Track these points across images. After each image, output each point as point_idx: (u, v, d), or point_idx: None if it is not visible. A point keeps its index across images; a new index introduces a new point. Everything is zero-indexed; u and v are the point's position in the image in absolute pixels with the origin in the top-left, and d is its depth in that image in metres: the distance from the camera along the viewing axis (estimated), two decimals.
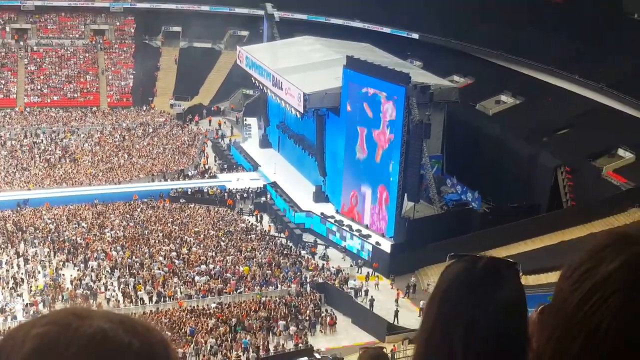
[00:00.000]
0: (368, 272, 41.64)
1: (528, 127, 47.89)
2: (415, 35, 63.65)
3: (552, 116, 48.36)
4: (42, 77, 72.33)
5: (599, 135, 44.37)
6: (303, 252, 44.47)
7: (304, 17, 70.19)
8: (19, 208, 48.76)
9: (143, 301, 37.20)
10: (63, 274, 39.36)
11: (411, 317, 36.71)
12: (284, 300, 37.49)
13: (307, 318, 36.31)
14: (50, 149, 60.82)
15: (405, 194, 42.56)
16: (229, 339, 33.75)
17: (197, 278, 38.85)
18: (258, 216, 49.71)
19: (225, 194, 52.45)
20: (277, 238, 46.50)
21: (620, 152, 43.68)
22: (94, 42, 76.40)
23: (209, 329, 34.28)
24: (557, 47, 52.86)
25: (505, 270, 1.71)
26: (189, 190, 52.66)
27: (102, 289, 38.04)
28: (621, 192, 40.87)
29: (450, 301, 1.67)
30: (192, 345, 32.83)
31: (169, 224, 46.48)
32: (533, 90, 51.89)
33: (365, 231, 44.76)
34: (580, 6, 53.37)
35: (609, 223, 38.28)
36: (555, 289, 1.35)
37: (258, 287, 38.55)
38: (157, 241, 43.50)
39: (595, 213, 39.34)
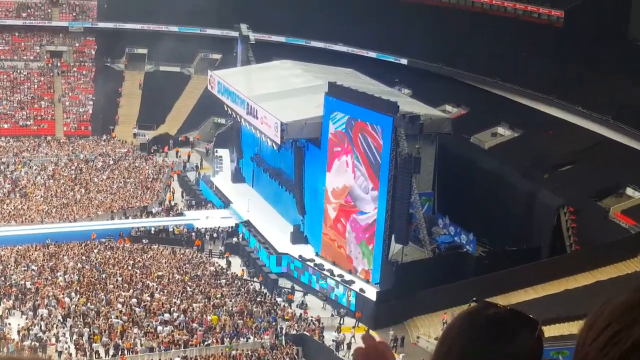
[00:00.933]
0: (339, 323, 41.16)
1: (527, 162, 47.78)
2: (404, 61, 63.66)
3: (553, 151, 48.33)
4: None
5: (605, 173, 44.32)
6: (279, 300, 44.13)
7: (282, 39, 70.25)
8: None
9: (99, 354, 36.45)
10: (9, 323, 38.70)
11: None
12: (256, 354, 36.91)
13: None
14: None
15: (393, 236, 42.27)
16: None
17: (159, 328, 38.28)
18: (229, 259, 49.02)
19: (193, 233, 52.06)
20: (249, 283, 45.95)
21: (629, 191, 43.50)
22: (50, 65, 75.82)
23: None
24: (557, 75, 53.02)
25: (517, 324, 1.75)
26: (153, 229, 52.23)
27: (53, 340, 37.23)
28: (630, 235, 40.58)
29: (458, 347, 1.77)
30: None
31: (130, 267, 45.92)
32: (532, 122, 51.92)
33: (348, 276, 44.07)
34: (581, 31, 53.54)
35: (617, 269, 37.97)
36: (577, 349, 1.33)
37: (228, 339, 37.99)
38: (115, 286, 42.84)
39: (602, 258, 39.26)
